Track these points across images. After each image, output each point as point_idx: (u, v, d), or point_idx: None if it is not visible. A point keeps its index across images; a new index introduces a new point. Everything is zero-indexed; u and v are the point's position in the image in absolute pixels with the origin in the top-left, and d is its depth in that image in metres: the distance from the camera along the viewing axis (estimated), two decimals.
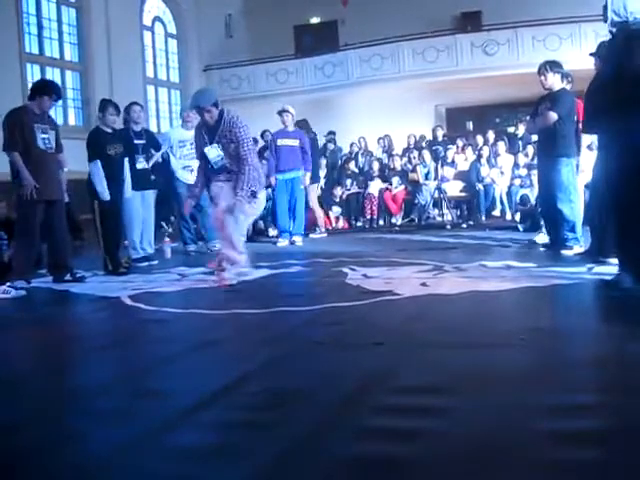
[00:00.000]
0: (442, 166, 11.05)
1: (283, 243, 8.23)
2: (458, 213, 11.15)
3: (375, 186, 11.26)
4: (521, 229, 8.51)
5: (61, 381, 2.84)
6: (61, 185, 5.76)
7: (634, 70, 3.91)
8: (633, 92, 3.93)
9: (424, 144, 12.74)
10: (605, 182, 4.42)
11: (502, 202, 11.06)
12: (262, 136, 11.18)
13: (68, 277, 5.63)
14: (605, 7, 4.17)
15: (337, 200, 11.12)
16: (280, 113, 8.43)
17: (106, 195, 6.03)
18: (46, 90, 5.52)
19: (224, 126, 5.02)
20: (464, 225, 10.02)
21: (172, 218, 9.24)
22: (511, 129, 14.11)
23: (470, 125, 13.78)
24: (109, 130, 6.24)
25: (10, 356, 3.33)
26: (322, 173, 11.16)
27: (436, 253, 6.49)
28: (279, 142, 8.34)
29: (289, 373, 2.84)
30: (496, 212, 11.17)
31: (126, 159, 6.49)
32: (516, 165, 10.81)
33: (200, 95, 5.18)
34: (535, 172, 8.35)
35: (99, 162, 6.03)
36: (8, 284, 4.98)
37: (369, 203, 11.11)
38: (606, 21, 4.20)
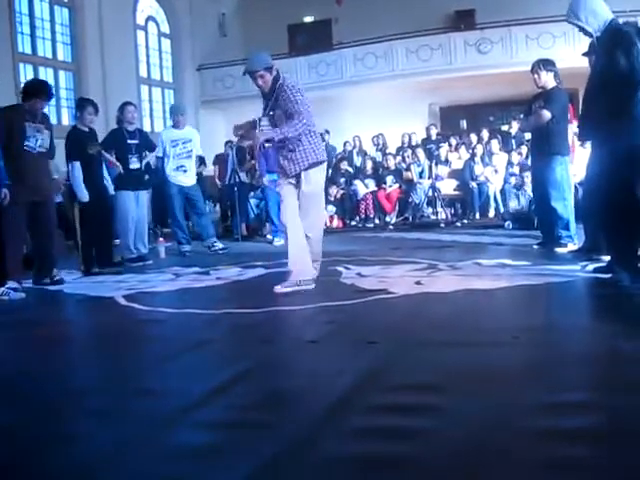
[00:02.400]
0: (436, 165, 11.06)
1: (279, 242, 8.22)
2: (452, 211, 11.16)
3: (361, 187, 11.24)
4: (510, 226, 8.56)
5: (57, 381, 2.83)
6: (49, 186, 5.68)
7: (619, 74, 3.94)
8: (619, 96, 3.97)
9: (414, 143, 12.70)
10: (599, 181, 4.43)
11: (496, 200, 11.06)
12: None
13: (47, 280, 5.55)
14: (582, 29, 4.21)
15: (331, 199, 11.12)
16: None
17: (85, 196, 6.00)
18: (36, 92, 5.42)
19: (276, 92, 4.54)
20: (458, 223, 10.04)
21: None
22: (505, 127, 14.11)
23: (464, 124, 13.78)
24: (86, 129, 6.22)
25: (7, 357, 3.32)
26: None
27: (430, 251, 6.50)
28: (267, 144, 8.32)
29: (284, 372, 2.84)
30: (490, 210, 11.18)
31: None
32: (510, 163, 10.82)
33: (250, 60, 4.70)
34: (527, 173, 8.39)
35: (79, 163, 6.02)
36: (6, 286, 4.97)
37: (363, 202, 11.11)
38: (585, 32, 4.23)
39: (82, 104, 6.29)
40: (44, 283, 5.53)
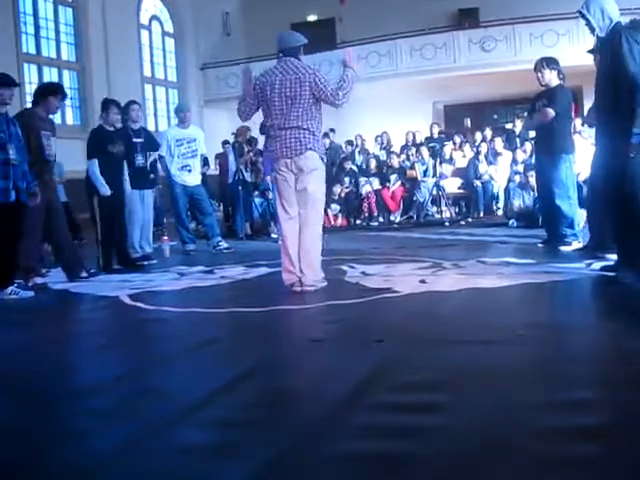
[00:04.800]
0: (440, 163, 11.04)
1: None
2: (457, 210, 11.16)
3: (368, 186, 11.25)
4: (515, 225, 8.57)
5: (61, 380, 2.85)
6: (55, 185, 5.71)
7: (617, 75, 3.96)
8: (622, 95, 3.97)
9: (418, 141, 12.69)
10: (603, 178, 4.43)
11: (498, 198, 11.05)
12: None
13: (84, 274, 5.65)
14: (589, 24, 4.23)
15: (335, 198, 11.12)
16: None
17: (106, 190, 6.04)
18: (51, 91, 5.52)
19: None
20: (462, 222, 10.03)
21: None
22: (509, 126, 14.10)
23: (468, 122, 13.78)
24: (111, 129, 6.29)
25: (10, 355, 3.33)
26: None
27: (435, 250, 6.50)
28: None
29: (289, 371, 2.85)
30: (495, 209, 11.16)
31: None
32: (514, 162, 10.80)
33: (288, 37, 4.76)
34: (532, 173, 8.39)
35: (96, 160, 6.05)
36: (16, 285, 4.99)
37: (367, 201, 11.11)
38: (590, 28, 4.25)
39: (107, 105, 6.33)
40: (82, 277, 5.61)
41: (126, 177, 6.54)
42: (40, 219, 5.34)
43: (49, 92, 5.49)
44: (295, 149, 4.50)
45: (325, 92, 4.51)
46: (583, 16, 4.27)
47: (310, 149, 4.51)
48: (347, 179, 11.46)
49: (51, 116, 5.72)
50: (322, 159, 4.66)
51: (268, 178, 8.49)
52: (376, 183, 11.33)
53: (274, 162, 4.67)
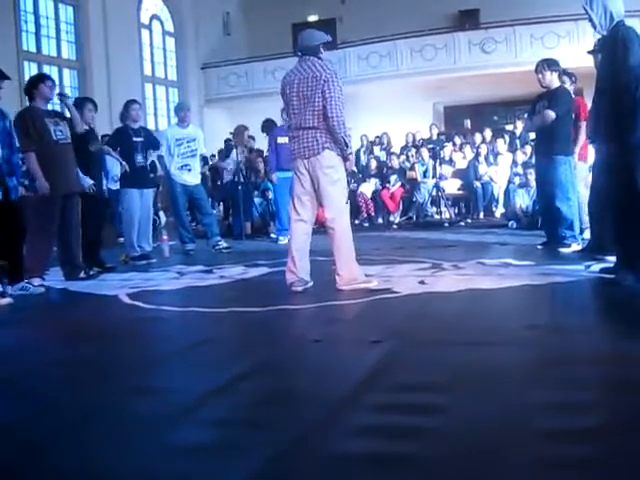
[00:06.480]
0: (440, 164, 11.05)
1: (283, 241, 8.21)
2: (456, 211, 11.16)
3: (367, 187, 11.25)
4: (514, 226, 8.58)
5: (59, 380, 2.84)
6: (78, 178, 5.70)
7: (626, 73, 3.95)
8: (619, 97, 3.97)
9: (418, 142, 12.70)
10: (604, 180, 4.43)
11: (498, 200, 11.05)
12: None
13: (82, 275, 5.61)
14: (591, 19, 4.23)
15: None
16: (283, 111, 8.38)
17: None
18: (40, 79, 5.56)
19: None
20: (462, 223, 10.04)
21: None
22: (509, 127, 14.11)
23: (468, 123, 13.79)
24: (87, 127, 6.19)
25: (8, 355, 3.33)
26: None
27: (434, 251, 6.49)
28: (279, 140, 8.30)
29: (287, 371, 2.84)
30: (494, 210, 11.16)
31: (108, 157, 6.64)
32: (514, 163, 10.81)
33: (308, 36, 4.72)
34: (531, 171, 8.40)
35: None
36: (26, 281, 4.98)
37: (363, 202, 11.09)
38: (595, 28, 4.25)
39: (81, 102, 6.31)
40: (80, 278, 5.56)
41: (116, 175, 6.51)
42: (52, 218, 5.32)
43: (39, 81, 5.51)
44: (312, 149, 4.49)
45: (330, 97, 4.40)
46: (585, 11, 4.25)
47: (327, 148, 4.50)
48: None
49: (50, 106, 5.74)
50: (341, 157, 4.61)
51: (274, 176, 8.48)
52: (369, 186, 11.33)
53: (291, 162, 4.67)
